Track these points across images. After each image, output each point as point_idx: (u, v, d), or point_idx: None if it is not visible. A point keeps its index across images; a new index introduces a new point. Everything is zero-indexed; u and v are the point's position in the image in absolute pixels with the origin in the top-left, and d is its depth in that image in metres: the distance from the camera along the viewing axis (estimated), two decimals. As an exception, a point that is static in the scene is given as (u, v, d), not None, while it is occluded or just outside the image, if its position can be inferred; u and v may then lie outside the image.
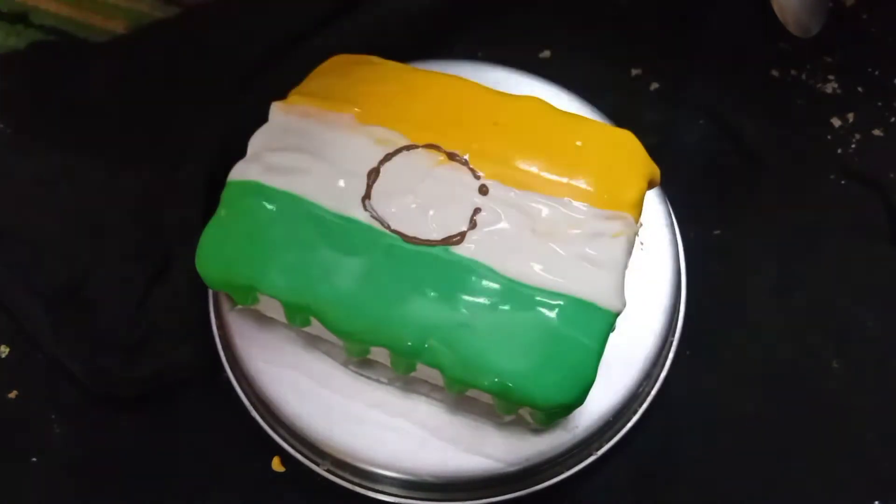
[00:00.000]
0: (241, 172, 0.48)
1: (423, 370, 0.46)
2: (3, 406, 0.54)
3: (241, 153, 0.49)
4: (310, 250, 0.46)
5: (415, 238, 0.45)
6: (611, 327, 0.45)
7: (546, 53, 0.65)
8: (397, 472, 0.47)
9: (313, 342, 0.49)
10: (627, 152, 0.50)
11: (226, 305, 0.51)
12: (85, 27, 0.68)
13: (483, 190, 0.48)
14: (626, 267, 0.47)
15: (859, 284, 0.57)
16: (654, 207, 0.54)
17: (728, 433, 0.53)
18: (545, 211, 0.47)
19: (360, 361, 0.49)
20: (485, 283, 0.45)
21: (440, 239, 0.46)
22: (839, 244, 0.58)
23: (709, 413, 0.53)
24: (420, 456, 0.47)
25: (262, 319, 0.50)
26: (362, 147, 0.48)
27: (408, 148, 0.48)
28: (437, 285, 0.45)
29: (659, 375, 0.51)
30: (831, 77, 0.64)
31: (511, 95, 0.51)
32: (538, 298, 0.45)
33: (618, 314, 0.45)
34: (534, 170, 0.48)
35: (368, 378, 0.49)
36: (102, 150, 0.60)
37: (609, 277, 0.46)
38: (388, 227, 0.45)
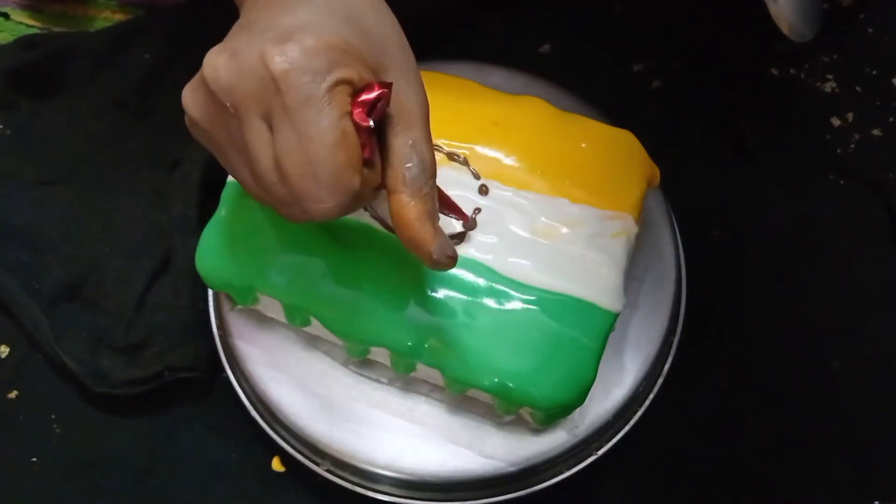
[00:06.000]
0: (241, 172, 0.48)
1: (423, 370, 0.46)
2: (3, 406, 0.54)
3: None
4: (310, 250, 0.46)
5: (415, 238, 0.45)
6: (611, 327, 0.45)
7: (546, 48, 0.65)
8: (397, 472, 0.47)
9: (313, 342, 0.49)
10: (627, 152, 0.50)
11: (226, 305, 0.51)
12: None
13: (483, 190, 0.48)
14: (626, 267, 0.47)
15: (859, 284, 0.57)
16: (654, 207, 0.54)
17: (728, 433, 0.53)
18: (545, 211, 0.47)
19: (360, 361, 0.49)
20: (485, 283, 0.45)
21: (440, 239, 0.46)
22: (839, 244, 0.58)
23: (709, 413, 0.54)
24: (420, 456, 0.47)
25: (262, 319, 0.50)
26: (362, 147, 0.48)
27: (408, 148, 0.48)
28: (437, 285, 0.45)
29: (659, 375, 0.51)
30: (829, 76, 0.64)
31: (511, 95, 0.51)
32: (538, 298, 0.45)
33: (618, 314, 0.45)
34: (534, 170, 0.48)
35: (368, 378, 0.49)
36: (101, 150, 0.60)
37: (609, 277, 0.46)
38: (389, 227, 0.45)
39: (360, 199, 0.36)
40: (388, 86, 0.36)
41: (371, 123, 0.36)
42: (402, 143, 0.37)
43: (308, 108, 0.34)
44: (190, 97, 0.37)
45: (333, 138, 0.34)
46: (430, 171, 0.38)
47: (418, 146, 0.37)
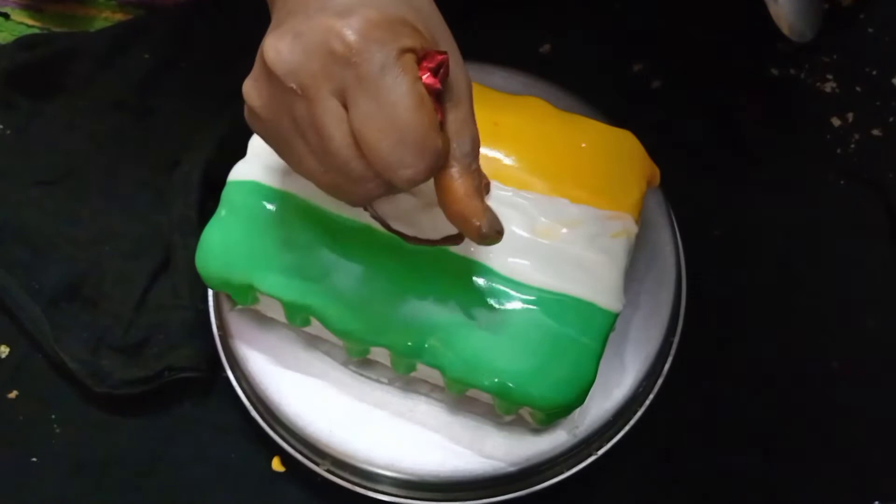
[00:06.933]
0: (241, 172, 0.48)
1: (423, 370, 0.46)
2: (3, 406, 0.54)
3: (240, 153, 0.49)
4: (310, 250, 0.46)
5: (415, 238, 0.45)
6: (611, 327, 0.45)
7: (546, 48, 0.65)
8: (397, 472, 0.47)
9: (313, 342, 0.49)
10: (627, 152, 0.50)
11: (226, 305, 0.51)
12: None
13: (483, 190, 0.48)
14: (626, 267, 0.47)
15: (859, 284, 0.57)
16: (654, 207, 0.54)
17: (728, 433, 0.53)
18: (545, 211, 0.47)
19: (360, 361, 0.49)
20: (485, 282, 0.45)
21: (440, 239, 0.46)
22: (839, 244, 0.58)
23: (709, 413, 0.54)
24: (420, 456, 0.47)
25: (262, 319, 0.50)
26: (362, 147, 0.48)
27: (408, 148, 0.48)
28: (437, 285, 0.45)
29: (659, 375, 0.51)
30: (829, 76, 0.64)
31: (511, 96, 0.51)
32: (538, 298, 0.45)
33: (618, 314, 0.45)
34: (534, 170, 0.48)
35: (368, 378, 0.49)
36: (101, 150, 0.60)
37: (609, 278, 0.46)
38: (389, 227, 0.45)
39: (440, 162, 0.36)
40: (445, 54, 0.37)
41: (441, 86, 0.36)
42: (452, 119, 0.38)
43: (386, 74, 0.35)
44: (252, 87, 0.38)
45: (414, 101, 0.35)
46: (478, 148, 0.38)
47: (468, 122, 0.38)
